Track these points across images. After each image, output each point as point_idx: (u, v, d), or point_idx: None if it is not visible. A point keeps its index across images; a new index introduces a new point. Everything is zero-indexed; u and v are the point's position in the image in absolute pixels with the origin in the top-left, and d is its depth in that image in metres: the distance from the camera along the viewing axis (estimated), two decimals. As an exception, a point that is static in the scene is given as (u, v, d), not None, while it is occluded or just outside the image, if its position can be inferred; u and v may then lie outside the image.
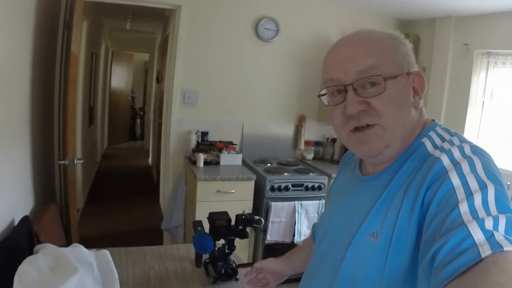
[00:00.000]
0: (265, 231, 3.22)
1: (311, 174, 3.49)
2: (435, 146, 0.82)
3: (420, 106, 0.88)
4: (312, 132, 4.22)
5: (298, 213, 3.26)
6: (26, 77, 2.06)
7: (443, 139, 0.83)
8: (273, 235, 3.23)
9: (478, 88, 3.77)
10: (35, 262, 1.39)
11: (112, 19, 6.35)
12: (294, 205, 3.26)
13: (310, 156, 4.15)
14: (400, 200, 0.78)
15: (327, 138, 4.26)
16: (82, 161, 2.49)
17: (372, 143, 0.84)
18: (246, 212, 3.11)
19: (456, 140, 0.81)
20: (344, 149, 4.23)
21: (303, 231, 3.30)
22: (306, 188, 3.36)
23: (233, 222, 1.60)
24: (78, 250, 1.59)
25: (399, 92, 0.82)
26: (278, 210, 3.22)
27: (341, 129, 0.87)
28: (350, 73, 0.83)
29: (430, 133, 0.86)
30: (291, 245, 3.32)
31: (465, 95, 3.76)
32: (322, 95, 0.91)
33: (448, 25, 3.92)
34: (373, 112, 0.82)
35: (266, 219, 3.16)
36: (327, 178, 3.48)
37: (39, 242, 1.83)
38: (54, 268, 1.38)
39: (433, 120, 0.91)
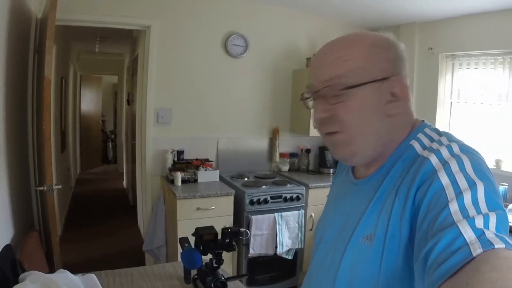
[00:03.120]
0: (247, 244, 3.23)
1: (288, 185, 3.54)
2: (424, 147, 0.82)
3: (401, 111, 0.86)
4: (286, 144, 4.29)
5: (279, 224, 3.29)
6: (0, 103, 2.05)
7: (431, 139, 0.83)
8: (256, 248, 3.25)
9: (445, 89, 3.95)
10: (23, 291, 1.37)
11: (80, 42, 6.30)
12: (275, 217, 3.29)
13: (285, 168, 4.20)
14: (392, 201, 0.79)
15: (302, 149, 4.33)
16: (60, 187, 2.46)
17: (339, 149, 0.88)
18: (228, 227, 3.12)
19: (444, 140, 0.81)
20: (320, 159, 4.30)
21: (285, 242, 3.33)
22: (285, 200, 3.40)
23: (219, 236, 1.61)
24: (65, 275, 1.58)
25: (366, 100, 0.82)
26: (259, 223, 3.24)
27: (319, 131, 0.91)
28: (319, 81, 0.86)
29: (418, 135, 0.86)
30: (274, 257, 3.35)
31: (433, 97, 3.93)
32: (306, 98, 0.92)
33: (413, 31, 4.10)
34: (337, 121, 0.84)
35: (247, 233, 3.18)
36: (304, 188, 3.53)
37: (24, 271, 1.80)
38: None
39: (423, 121, 0.91)
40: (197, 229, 1.58)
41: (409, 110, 0.88)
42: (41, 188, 2.24)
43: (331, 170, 4.17)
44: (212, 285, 1.54)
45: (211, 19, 3.75)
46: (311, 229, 3.63)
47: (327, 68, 0.85)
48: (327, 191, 3.83)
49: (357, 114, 0.83)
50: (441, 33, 3.91)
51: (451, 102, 3.96)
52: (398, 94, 0.84)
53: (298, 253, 3.52)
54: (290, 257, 3.42)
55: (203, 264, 1.62)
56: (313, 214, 3.60)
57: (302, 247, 3.48)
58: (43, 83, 2.14)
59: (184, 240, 1.62)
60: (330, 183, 3.64)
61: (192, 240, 1.66)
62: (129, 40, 5.59)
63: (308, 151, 4.32)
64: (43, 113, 2.10)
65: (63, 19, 2.89)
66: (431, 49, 3.94)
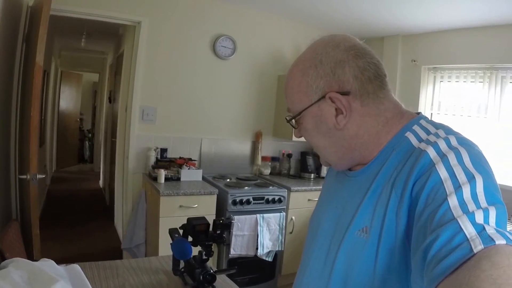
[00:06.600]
0: (228, 245, 3.22)
1: (270, 187, 3.56)
2: (420, 140, 0.80)
3: (352, 120, 0.86)
4: (268, 147, 4.31)
5: (260, 226, 3.30)
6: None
7: (428, 132, 0.82)
8: (237, 248, 3.24)
9: (426, 101, 4.05)
10: (8, 277, 1.34)
11: (64, 38, 6.20)
12: (256, 218, 3.30)
13: (267, 171, 4.22)
14: (388, 194, 0.78)
15: (283, 154, 4.36)
16: (44, 176, 2.41)
17: (321, 158, 0.99)
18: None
19: (441, 133, 0.80)
20: (301, 164, 4.34)
21: (265, 244, 3.34)
22: (267, 201, 3.41)
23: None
24: (49, 264, 1.55)
25: (312, 122, 0.89)
26: (241, 224, 3.24)
27: None
28: (287, 109, 0.97)
29: (413, 127, 0.84)
30: (254, 259, 3.35)
31: (414, 108, 4.01)
32: (288, 121, 1.00)
33: (396, 43, 4.20)
34: (306, 139, 0.96)
35: (229, 233, 3.17)
36: (286, 191, 3.56)
37: (4, 259, 1.75)
38: (31, 281, 1.33)
39: (418, 113, 0.91)
40: (189, 219, 1.57)
41: (375, 111, 0.87)
42: (24, 177, 2.19)
43: (312, 175, 4.22)
44: (201, 277, 1.53)
45: (201, 20, 3.76)
46: (291, 232, 3.65)
47: (286, 99, 0.96)
48: (308, 195, 3.85)
49: (309, 134, 0.92)
50: (424, 46, 4.02)
51: (431, 113, 4.06)
52: (340, 107, 0.85)
53: (278, 256, 3.53)
54: (270, 259, 3.42)
55: (191, 257, 1.61)
56: (293, 218, 3.63)
57: (282, 249, 3.49)
58: (33, 70, 2.10)
59: (174, 231, 1.61)
60: (312, 188, 3.70)
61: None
62: (114, 38, 5.54)
63: (289, 155, 4.35)
64: (32, 101, 2.05)
65: (54, 9, 2.85)
66: (414, 61, 4.05)
